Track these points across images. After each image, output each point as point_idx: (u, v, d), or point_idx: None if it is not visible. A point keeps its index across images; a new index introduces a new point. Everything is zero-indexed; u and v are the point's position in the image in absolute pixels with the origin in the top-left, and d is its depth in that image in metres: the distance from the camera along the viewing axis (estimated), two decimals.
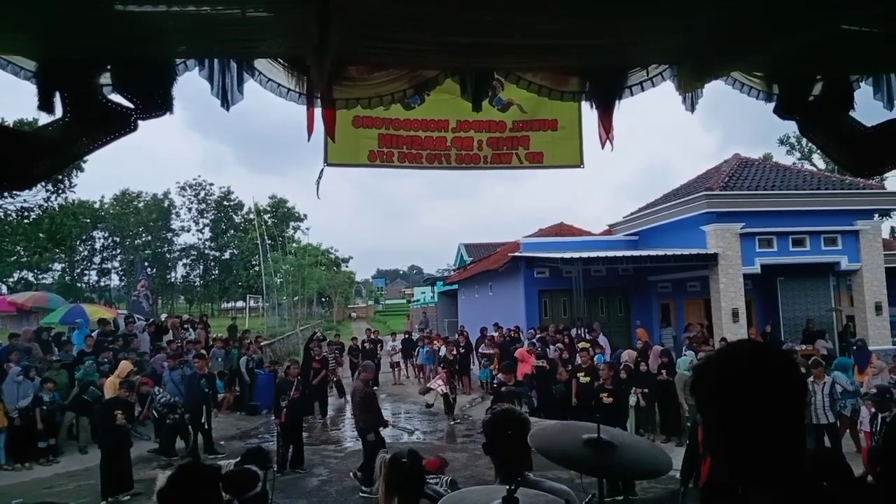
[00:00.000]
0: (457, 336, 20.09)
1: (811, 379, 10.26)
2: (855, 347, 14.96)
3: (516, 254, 20.79)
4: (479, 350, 18.26)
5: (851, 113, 4.44)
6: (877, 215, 18.48)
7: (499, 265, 22.32)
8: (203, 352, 13.81)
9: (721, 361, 1.38)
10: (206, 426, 11.65)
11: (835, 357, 14.03)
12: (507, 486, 1.94)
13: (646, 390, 11.78)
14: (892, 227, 29.82)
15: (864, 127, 4.39)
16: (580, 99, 4.33)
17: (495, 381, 14.72)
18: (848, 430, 10.32)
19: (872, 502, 1.46)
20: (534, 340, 16.65)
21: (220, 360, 15.92)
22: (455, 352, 17.17)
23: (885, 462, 3.66)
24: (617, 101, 4.38)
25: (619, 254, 18.47)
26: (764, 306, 18.99)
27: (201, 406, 11.60)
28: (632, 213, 22.42)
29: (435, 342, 20.64)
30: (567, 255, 17.53)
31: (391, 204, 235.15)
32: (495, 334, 18.79)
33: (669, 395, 11.56)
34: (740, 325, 16.95)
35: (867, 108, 4.45)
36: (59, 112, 3.57)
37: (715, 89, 4.30)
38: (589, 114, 4.50)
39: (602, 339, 16.20)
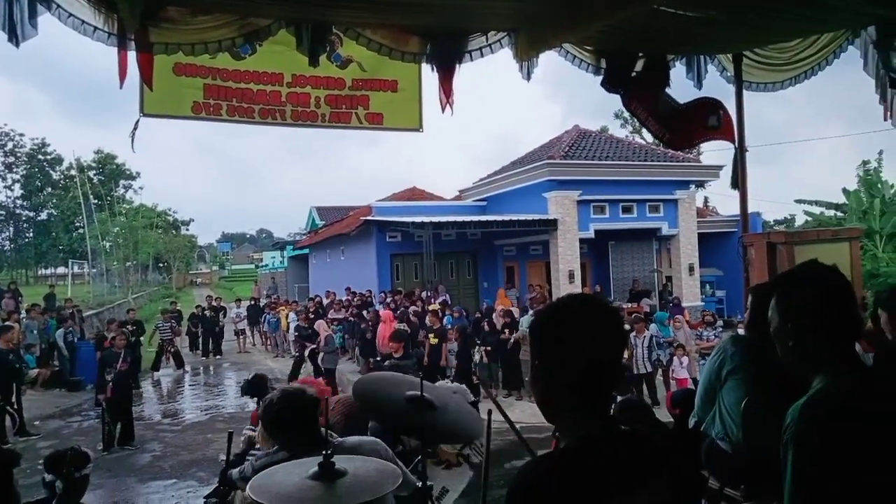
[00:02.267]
0: (307, 302, 19.64)
1: (633, 333, 11.34)
2: (671, 305, 16.78)
3: (368, 217, 20.64)
4: (329, 315, 18.03)
5: (668, 90, 4.82)
6: (692, 186, 20.57)
7: (351, 229, 22.05)
8: (10, 324, 12.24)
9: (550, 311, 1.46)
10: (14, 406, 10.44)
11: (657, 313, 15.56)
12: (323, 452, 1.89)
13: (489, 348, 12.39)
14: (706, 197, 33.57)
15: (677, 104, 4.79)
16: (420, 61, 4.27)
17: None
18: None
19: (664, 437, 1.58)
20: (387, 302, 16.76)
21: (34, 332, 14.30)
22: (307, 318, 16.73)
23: (683, 406, 4.10)
24: (457, 65, 4.38)
25: (468, 218, 19.01)
26: (597, 268, 20.61)
27: (10, 384, 10.38)
28: (480, 180, 23.08)
29: (281, 308, 20.03)
30: (418, 219, 17.73)
31: (238, 164, 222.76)
32: (345, 298, 18.62)
33: (511, 353, 12.21)
34: (576, 285, 18.24)
35: (680, 86, 4.86)
36: None
37: (558, 62, 4.45)
38: (430, 77, 4.47)
39: (444, 297, 16.83)
